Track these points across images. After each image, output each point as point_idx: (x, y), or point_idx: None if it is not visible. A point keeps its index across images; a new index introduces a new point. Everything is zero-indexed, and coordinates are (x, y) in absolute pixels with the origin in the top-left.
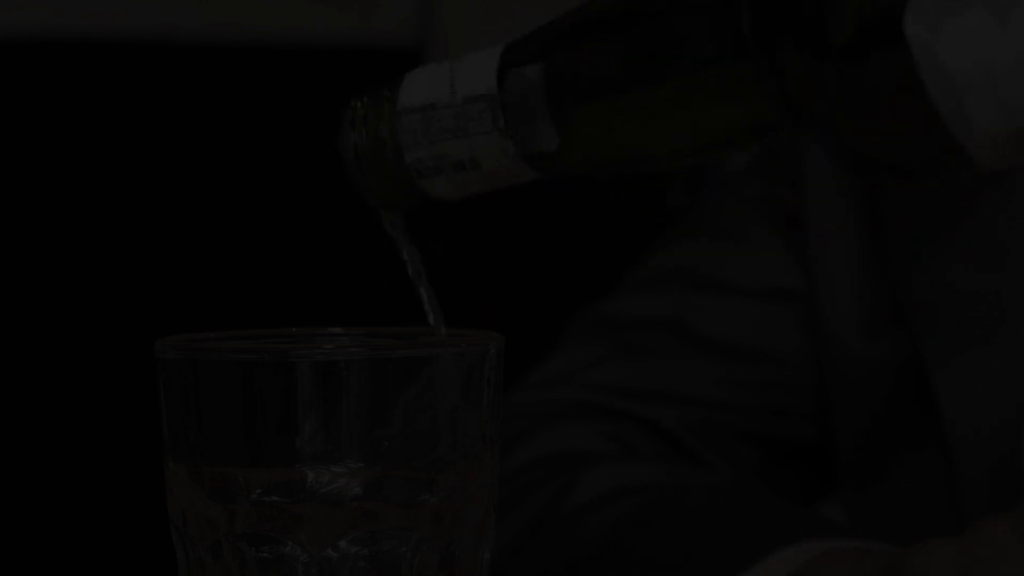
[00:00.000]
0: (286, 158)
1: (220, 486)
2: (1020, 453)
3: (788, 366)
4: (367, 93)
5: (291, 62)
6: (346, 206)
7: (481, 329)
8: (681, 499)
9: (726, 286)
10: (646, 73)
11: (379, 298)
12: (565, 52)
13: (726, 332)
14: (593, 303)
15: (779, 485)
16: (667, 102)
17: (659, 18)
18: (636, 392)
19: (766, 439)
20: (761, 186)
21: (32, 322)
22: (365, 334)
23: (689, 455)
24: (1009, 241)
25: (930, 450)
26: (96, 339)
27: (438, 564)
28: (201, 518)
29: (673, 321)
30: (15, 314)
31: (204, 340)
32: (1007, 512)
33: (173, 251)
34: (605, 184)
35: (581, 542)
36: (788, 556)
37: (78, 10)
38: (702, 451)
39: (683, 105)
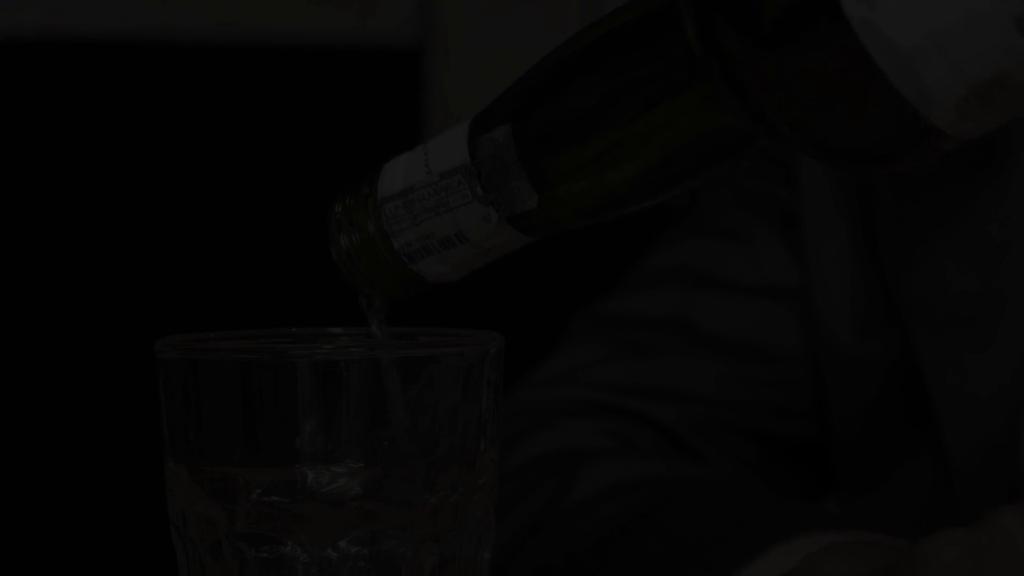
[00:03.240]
0: (286, 158)
1: (220, 486)
2: (1018, 451)
3: (790, 363)
4: (347, 193)
5: (291, 62)
6: None
7: (481, 329)
8: (683, 493)
9: (728, 284)
10: (607, 114)
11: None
12: (528, 108)
13: (729, 330)
14: (595, 302)
15: (779, 483)
16: (632, 139)
17: (609, 58)
18: (639, 390)
19: (767, 437)
20: (760, 185)
21: (32, 322)
22: (365, 334)
23: (691, 452)
24: (1004, 240)
25: (925, 448)
26: (96, 339)
27: (438, 564)
28: (201, 518)
29: (676, 319)
30: (15, 314)
31: (204, 340)
32: (1018, 504)
33: (173, 251)
34: None
35: (582, 537)
36: (794, 548)
37: (78, 10)
38: (704, 448)
39: (649, 139)
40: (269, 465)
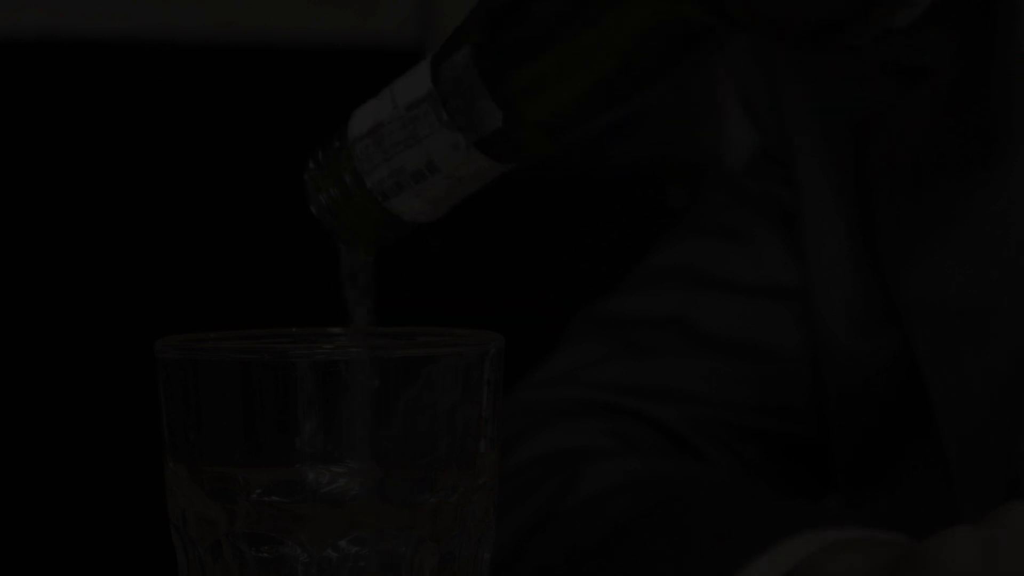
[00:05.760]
0: (286, 158)
1: (220, 486)
2: (1017, 450)
3: (790, 363)
4: (319, 149)
5: (291, 62)
6: None
7: (481, 329)
8: (683, 492)
9: (728, 284)
10: (561, 17)
11: (379, 298)
12: (484, 25)
13: (729, 329)
14: (595, 302)
15: (779, 483)
16: (590, 39)
17: None
18: (639, 390)
19: (767, 436)
20: (760, 185)
21: (32, 322)
22: (365, 334)
23: (691, 452)
24: (1003, 239)
25: (927, 449)
26: (96, 339)
27: (438, 564)
28: (201, 518)
29: (676, 319)
30: (15, 314)
31: (204, 340)
32: (1020, 502)
33: (173, 251)
34: (605, 184)
35: (582, 536)
36: (795, 546)
37: (78, 10)
38: (704, 448)
39: (606, 38)
40: (269, 465)
